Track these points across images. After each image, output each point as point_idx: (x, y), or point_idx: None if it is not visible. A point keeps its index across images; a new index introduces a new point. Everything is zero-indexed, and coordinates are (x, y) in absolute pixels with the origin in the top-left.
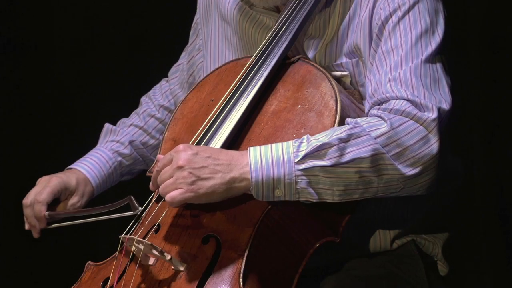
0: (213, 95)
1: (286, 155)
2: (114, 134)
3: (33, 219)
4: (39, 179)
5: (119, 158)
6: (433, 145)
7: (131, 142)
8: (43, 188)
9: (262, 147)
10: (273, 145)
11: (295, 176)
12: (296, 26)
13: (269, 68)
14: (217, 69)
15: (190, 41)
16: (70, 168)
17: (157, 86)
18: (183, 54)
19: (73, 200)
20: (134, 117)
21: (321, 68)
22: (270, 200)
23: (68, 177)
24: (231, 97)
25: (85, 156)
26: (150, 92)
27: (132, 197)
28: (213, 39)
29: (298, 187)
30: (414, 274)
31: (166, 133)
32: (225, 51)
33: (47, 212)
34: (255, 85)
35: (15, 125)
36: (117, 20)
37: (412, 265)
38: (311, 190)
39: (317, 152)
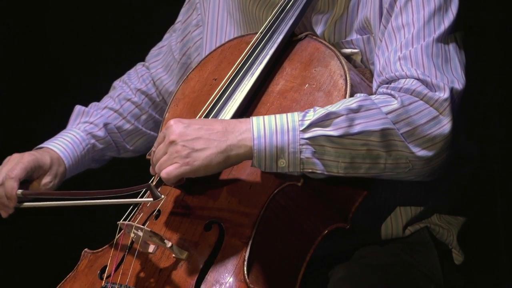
0: (216, 74)
1: (291, 123)
2: (87, 115)
3: (4, 199)
4: (8, 157)
5: (93, 141)
6: (445, 125)
7: (105, 125)
8: (16, 164)
9: (266, 116)
10: (278, 115)
11: (300, 145)
12: (304, 1)
13: (275, 45)
14: (220, 46)
15: (184, 17)
16: (41, 148)
17: (132, 71)
18: (166, 35)
19: (46, 180)
20: (108, 100)
21: (330, 46)
22: (273, 171)
23: (42, 155)
24: (235, 76)
25: (56, 136)
26: (124, 77)
27: (152, 185)
28: (213, 14)
29: (302, 156)
30: (428, 262)
31: (167, 114)
32: (226, 27)
33: (20, 190)
34: (260, 64)
35: None
36: (111, 8)
37: (426, 253)
38: (316, 160)
39: (324, 121)
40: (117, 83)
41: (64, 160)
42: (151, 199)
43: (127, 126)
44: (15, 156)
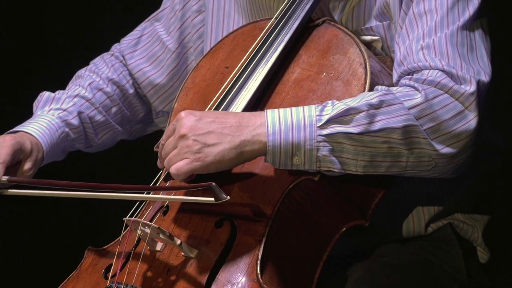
0: (228, 61)
1: (308, 119)
2: (58, 102)
3: None
4: None
5: (67, 129)
6: (471, 121)
7: (79, 114)
8: (0, 148)
9: (281, 109)
10: (294, 108)
11: (317, 142)
12: None
13: (291, 31)
14: (232, 32)
15: (180, 4)
16: (15, 132)
17: (98, 61)
18: (145, 24)
19: (27, 166)
20: (78, 89)
21: (349, 32)
22: (287, 168)
23: (22, 138)
24: (248, 64)
25: (28, 121)
26: (91, 66)
27: (215, 185)
28: (218, 0)
29: (319, 154)
30: (451, 261)
31: (176, 104)
32: (234, 14)
33: (6, 177)
34: (275, 51)
35: None
36: None
37: (449, 252)
38: (333, 158)
39: (343, 117)
40: (83, 72)
41: (43, 147)
42: (211, 199)
43: (99, 117)
44: None
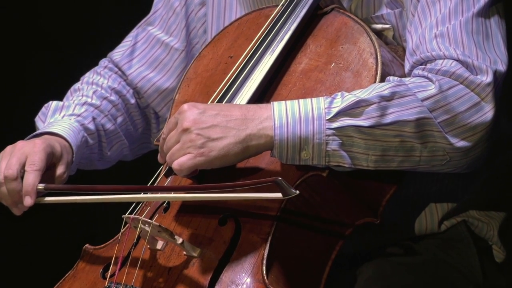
0: (232, 51)
1: (316, 111)
2: (69, 109)
3: (16, 196)
4: (11, 146)
5: (86, 134)
6: (487, 113)
7: (94, 119)
8: (33, 154)
9: (288, 101)
10: (301, 100)
11: (326, 135)
12: None
13: (298, 19)
14: (236, 20)
15: (181, 0)
16: (40, 134)
17: (90, 74)
18: (137, 31)
19: (60, 170)
20: (83, 98)
21: (359, 20)
22: (295, 163)
23: (51, 141)
24: (253, 54)
25: (48, 124)
26: (86, 80)
27: (281, 179)
28: None
29: (328, 148)
30: (465, 260)
31: (177, 95)
32: (236, 6)
33: (42, 184)
34: (281, 40)
35: None
36: None
37: (463, 250)
38: (343, 153)
39: (353, 109)
40: (79, 86)
41: (73, 147)
42: (279, 194)
43: (109, 125)
44: (23, 144)
